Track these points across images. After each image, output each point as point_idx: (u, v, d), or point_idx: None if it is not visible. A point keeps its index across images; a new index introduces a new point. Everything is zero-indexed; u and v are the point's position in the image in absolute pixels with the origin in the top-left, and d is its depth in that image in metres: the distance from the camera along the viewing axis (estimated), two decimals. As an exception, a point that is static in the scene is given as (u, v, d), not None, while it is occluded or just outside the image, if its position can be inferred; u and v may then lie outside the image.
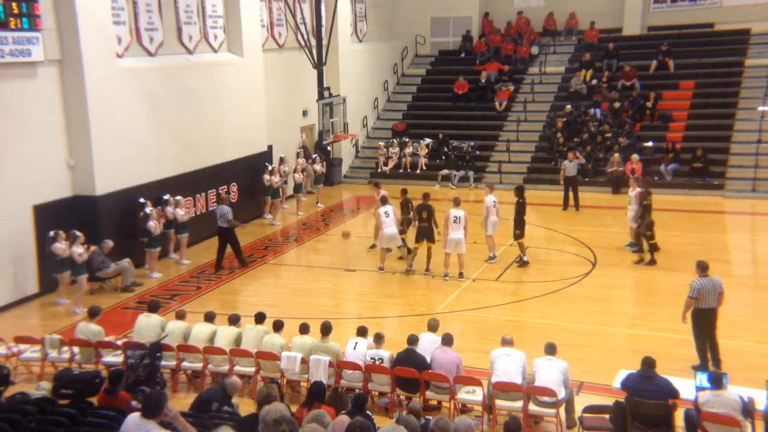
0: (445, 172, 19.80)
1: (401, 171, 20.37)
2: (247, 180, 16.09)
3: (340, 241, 14.86)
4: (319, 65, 18.62)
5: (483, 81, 22.21)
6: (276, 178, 16.25)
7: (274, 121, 17.36)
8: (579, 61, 21.92)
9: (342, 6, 19.84)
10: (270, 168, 16.29)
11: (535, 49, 23.01)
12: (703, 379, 7.09)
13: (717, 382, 6.76)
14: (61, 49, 11.80)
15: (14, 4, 10.79)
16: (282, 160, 16.93)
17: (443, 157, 20.45)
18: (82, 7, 11.74)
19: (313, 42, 18.58)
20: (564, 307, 10.97)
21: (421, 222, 12.31)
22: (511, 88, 22.04)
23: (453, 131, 21.12)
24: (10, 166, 11.09)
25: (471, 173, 19.73)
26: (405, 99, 23.50)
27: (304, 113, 19.30)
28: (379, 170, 20.64)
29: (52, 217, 11.49)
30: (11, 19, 10.82)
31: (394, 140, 21.16)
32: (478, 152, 20.33)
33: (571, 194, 16.66)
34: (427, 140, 20.90)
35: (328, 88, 19.06)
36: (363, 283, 12.47)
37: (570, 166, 16.71)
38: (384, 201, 12.73)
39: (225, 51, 15.91)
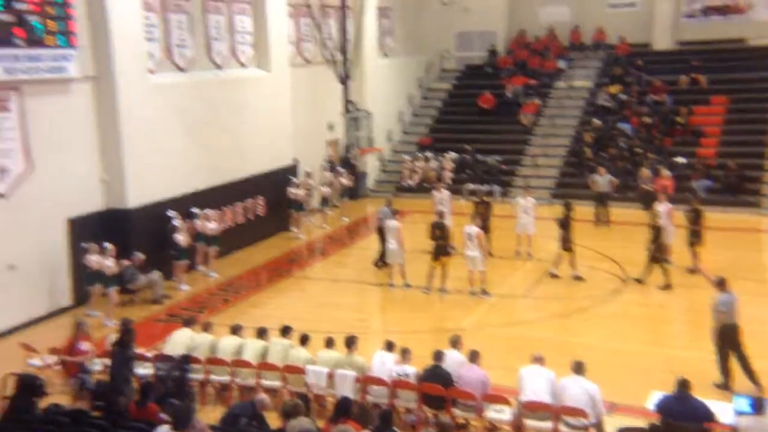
0: (470, 186, 19.81)
1: (426, 185, 20.40)
2: (273, 193, 16.30)
3: (366, 255, 14.88)
4: (344, 80, 18.86)
5: (509, 95, 22.23)
6: (301, 192, 16.45)
7: (300, 134, 17.59)
8: (607, 75, 21.83)
9: (368, 21, 20.09)
10: (295, 182, 16.49)
11: (561, 64, 22.99)
12: (743, 403, 6.91)
13: (760, 407, 6.60)
14: (96, 66, 12.15)
15: (51, 22, 11.17)
16: (308, 174, 17.14)
17: (469, 172, 20.48)
18: (116, 24, 12.09)
19: (339, 57, 18.84)
20: (594, 325, 10.88)
21: (436, 239, 12.40)
22: (538, 102, 22.03)
23: (479, 145, 21.15)
24: (46, 179, 11.40)
25: (497, 188, 19.72)
26: (430, 113, 23.61)
27: (330, 127, 19.52)
28: (405, 184, 20.74)
29: (86, 230, 11.77)
30: (48, 36, 11.18)
31: (420, 154, 21.27)
32: (504, 166, 20.32)
33: (602, 210, 16.60)
34: (453, 154, 20.98)
35: (354, 103, 19.28)
36: (389, 297, 12.52)
37: (602, 181, 16.64)
38: (392, 214, 12.86)
39: (253, 66, 16.22)
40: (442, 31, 24.49)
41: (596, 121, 20.15)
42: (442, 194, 14.79)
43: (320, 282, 13.59)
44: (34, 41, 10.88)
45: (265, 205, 16.15)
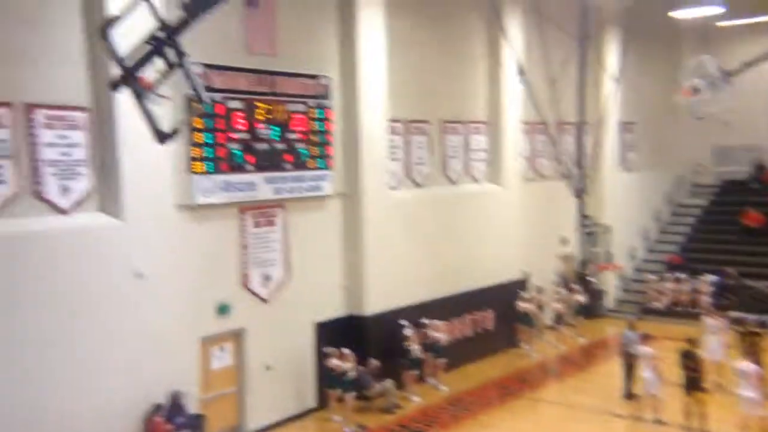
0: (736, 314, 17.73)
1: (678, 309, 18.95)
2: (503, 307, 16.47)
3: (608, 381, 13.99)
4: (580, 194, 18.78)
5: (784, 213, 20.07)
6: (532, 307, 16.39)
7: (531, 248, 17.80)
8: None
9: (608, 136, 20.11)
10: (525, 296, 16.52)
11: None
12: None
13: None
14: (345, 184, 13.86)
15: (314, 148, 13.21)
16: (539, 289, 17.08)
17: (732, 297, 18.49)
18: (365, 147, 13.83)
19: (575, 171, 18.95)
20: None
21: (687, 370, 11.43)
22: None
23: (744, 268, 19.16)
24: (299, 286, 12.96)
25: (770, 317, 17.41)
26: (681, 230, 22.37)
27: (564, 242, 19.39)
28: (651, 306, 19.45)
29: (328, 335, 13.00)
30: (310, 160, 13.19)
31: (669, 274, 19.98)
32: (781, 293, 18.02)
33: None
34: (711, 277, 19.25)
35: (590, 217, 19.02)
36: None
37: None
38: (639, 338, 12.08)
39: (486, 181, 17.13)
40: (696, 145, 23.42)
41: None
42: (715, 322, 13.64)
43: (555, 406, 13.09)
44: (299, 165, 12.93)
45: (494, 318, 16.32)
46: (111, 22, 7.45)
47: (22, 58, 9.23)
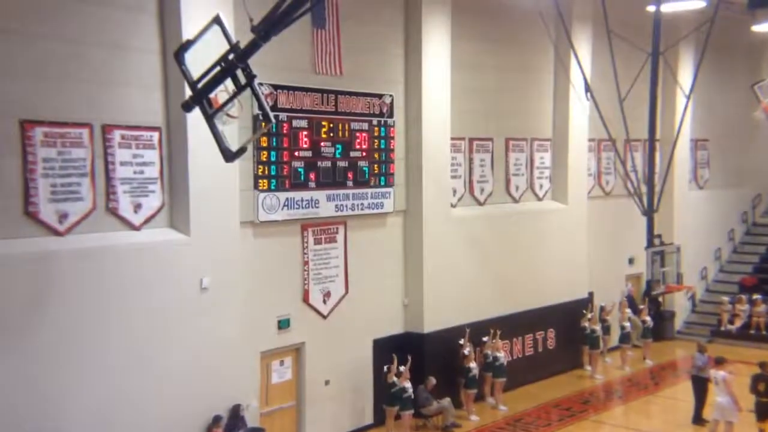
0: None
1: (752, 332, 18.11)
2: (565, 327, 16.17)
3: (676, 406, 13.54)
4: (649, 212, 18.24)
5: None
6: (596, 327, 16.02)
7: (596, 267, 17.46)
8: None
9: (680, 153, 19.50)
10: (588, 316, 16.16)
11: None
12: None
13: None
14: (407, 202, 13.94)
15: (376, 166, 13.35)
16: (604, 309, 16.69)
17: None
18: (427, 165, 13.88)
19: (644, 189, 18.44)
20: None
21: (759, 396, 11.09)
22: None
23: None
24: (358, 302, 13.10)
25: None
26: (757, 250, 21.52)
27: (630, 261, 18.92)
28: (723, 328, 18.71)
29: (386, 351, 13.04)
30: (372, 178, 13.33)
31: (743, 296, 19.17)
32: None
33: None
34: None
35: (659, 236, 18.40)
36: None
37: None
38: (714, 362, 11.64)
39: (549, 199, 16.88)
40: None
41: None
42: None
43: (620, 430, 12.72)
44: (361, 182, 13.09)
45: (556, 338, 16.02)
46: (185, 45, 7.78)
47: (101, 81, 9.74)
